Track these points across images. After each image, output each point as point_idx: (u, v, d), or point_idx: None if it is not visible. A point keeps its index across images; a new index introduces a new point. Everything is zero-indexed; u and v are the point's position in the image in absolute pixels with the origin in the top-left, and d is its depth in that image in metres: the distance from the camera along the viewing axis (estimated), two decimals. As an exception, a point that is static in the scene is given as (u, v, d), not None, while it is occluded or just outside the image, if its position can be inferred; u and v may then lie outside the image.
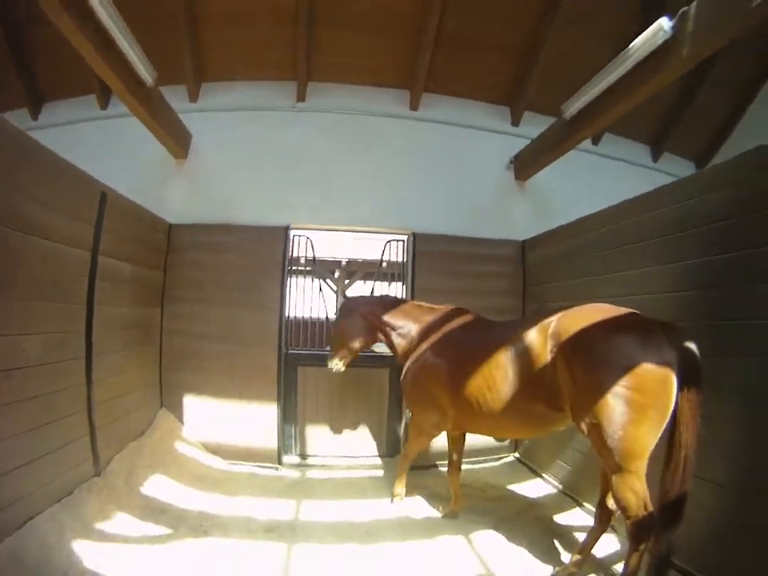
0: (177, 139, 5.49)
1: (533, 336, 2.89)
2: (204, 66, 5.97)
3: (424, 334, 3.84)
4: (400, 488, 4.03)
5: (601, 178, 6.47)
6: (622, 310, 2.63)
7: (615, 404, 2.34)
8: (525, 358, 2.89)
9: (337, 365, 4.24)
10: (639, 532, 2.34)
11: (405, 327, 4.02)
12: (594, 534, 2.91)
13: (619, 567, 2.76)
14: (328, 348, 4.48)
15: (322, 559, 3.09)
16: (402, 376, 3.93)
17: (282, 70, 6.02)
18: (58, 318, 3.31)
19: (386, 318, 4.11)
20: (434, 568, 3.04)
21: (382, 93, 6.23)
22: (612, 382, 2.36)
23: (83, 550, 2.79)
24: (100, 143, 5.89)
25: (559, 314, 2.84)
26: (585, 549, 2.91)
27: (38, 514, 2.82)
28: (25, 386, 2.87)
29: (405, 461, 4.04)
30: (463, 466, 4.95)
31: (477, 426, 3.51)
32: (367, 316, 4.21)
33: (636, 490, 2.34)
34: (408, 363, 3.85)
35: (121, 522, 3.29)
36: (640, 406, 2.31)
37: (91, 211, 3.66)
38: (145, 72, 4.27)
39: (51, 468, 3.04)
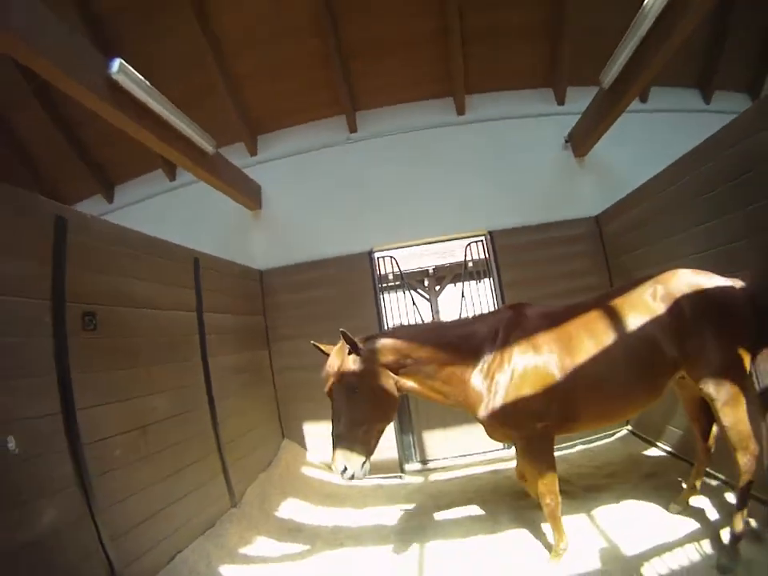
0: (247, 193, 5.96)
1: (642, 305, 2.84)
2: (255, 121, 6.42)
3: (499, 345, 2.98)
4: (564, 545, 2.91)
5: (659, 134, 6.08)
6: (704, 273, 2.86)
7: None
8: (640, 329, 2.80)
9: (357, 469, 2.77)
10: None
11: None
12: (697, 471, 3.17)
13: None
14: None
15: (454, 554, 3.22)
16: (489, 413, 2.91)
17: (328, 106, 6.32)
18: (179, 374, 3.81)
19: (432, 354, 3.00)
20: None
21: (427, 105, 6.36)
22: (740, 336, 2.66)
23: (229, 574, 3.16)
24: (177, 211, 6.55)
25: (656, 280, 2.92)
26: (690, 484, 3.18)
27: (185, 546, 3.27)
28: (160, 437, 3.35)
29: (555, 508, 2.88)
30: (579, 446, 4.97)
31: (588, 419, 3.00)
32: (397, 366, 3.00)
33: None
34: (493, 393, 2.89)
35: (261, 545, 3.66)
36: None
37: (189, 276, 4.18)
38: (204, 142, 4.69)
39: (193, 505, 3.50)
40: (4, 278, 2.36)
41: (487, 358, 2.96)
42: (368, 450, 2.86)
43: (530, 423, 2.83)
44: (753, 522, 2.74)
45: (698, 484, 3.17)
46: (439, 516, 3.95)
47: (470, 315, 3.52)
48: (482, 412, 2.91)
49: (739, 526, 2.53)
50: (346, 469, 2.73)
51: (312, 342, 3.13)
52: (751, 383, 2.66)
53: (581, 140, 5.80)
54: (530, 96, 6.35)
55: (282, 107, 6.30)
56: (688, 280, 2.81)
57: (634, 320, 2.81)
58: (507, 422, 2.88)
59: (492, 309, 3.87)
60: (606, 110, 4.97)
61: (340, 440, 2.78)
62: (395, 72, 6.08)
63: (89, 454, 2.62)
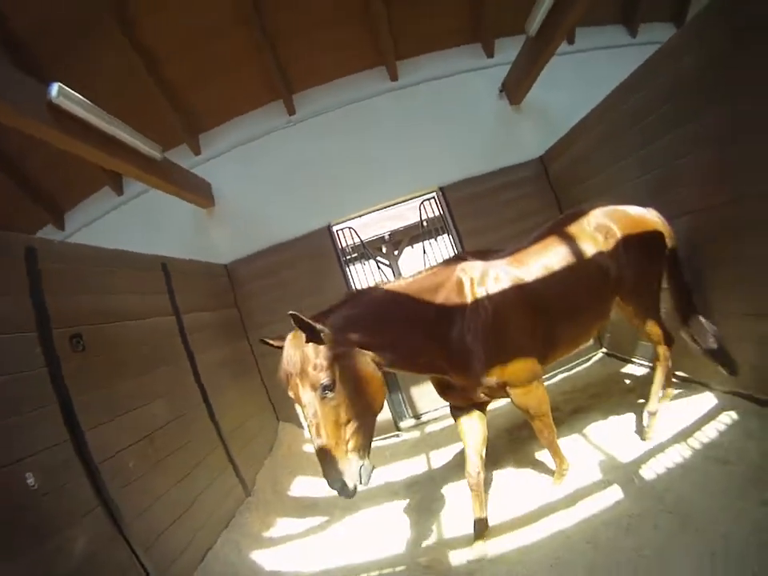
0: (199, 192, 5.89)
1: (582, 234, 3.10)
2: (195, 120, 6.30)
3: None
4: (566, 466, 3.07)
5: (590, 73, 6.25)
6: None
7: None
8: (588, 256, 3.03)
9: (358, 477, 2.26)
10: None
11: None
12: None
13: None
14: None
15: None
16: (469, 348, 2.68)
17: (266, 94, 6.24)
18: (170, 377, 3.82)
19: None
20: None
21: (362, 77, 6.37)
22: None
23: (261, 558, 3.31)
24: (132, 224, 6.42)
25: (584, 214, 3.25)
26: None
27: (214, 542, 3.39)
28: (166, 442, 3.38)
29: (553, 438, 2.99)
30: (559, 375, 5.32)
31: (563, 345, 3.09)
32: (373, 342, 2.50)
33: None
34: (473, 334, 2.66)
35: (282, 526, 3.82)
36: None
37: (160, 282, 4.15)
38: (150, 150, 4.62)
39: (210, 502, 3.58)
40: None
41: (460, 310, 2.67)
42: (365, 447, 2.34)
43: (525, 363, 2.74)
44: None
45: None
46: (442, 463, 4.18)
47: (416, 272, 2.88)
48: (475, 368, 2.65)
49: (655, 405, 3.29)
50: (344, 484, 2.18)
51: (260, 338, 2.56)
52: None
53: (514, 88, 5.96)
54: (459, 53, 6.46)
55: (220, 103, 6.20)
56: (614, 210, 3.22)
57: (583, 247, 3.04)
58: (504, 370, 2.67)
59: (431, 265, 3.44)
60: (535, 57, 5.11)
61: (327, 453, 2.19)
62: (325, 51, 6.04)
63: (104, 472, 2.65)
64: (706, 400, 3.32)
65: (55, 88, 3.36)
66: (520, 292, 2.78)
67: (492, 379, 2.68)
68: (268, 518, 3.84)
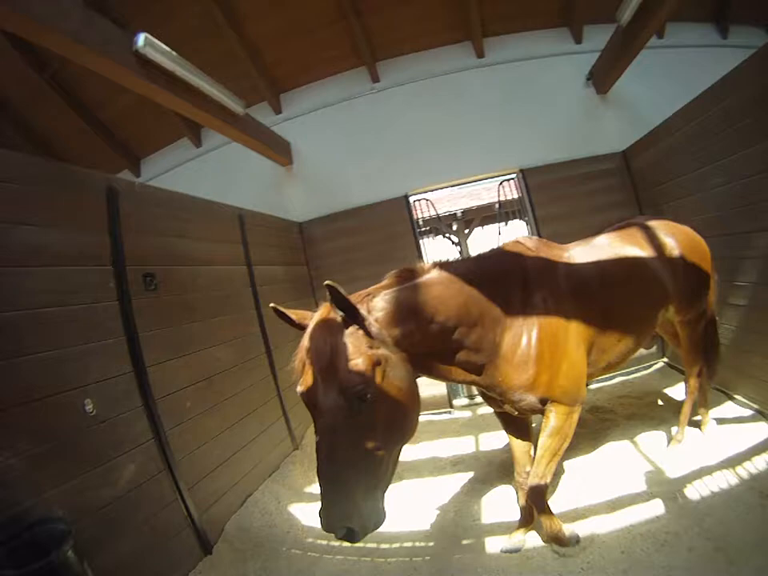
0: (278, 149, 5.93)
1: (647, 244, 2.92)
2: (277, 79, 6.33)
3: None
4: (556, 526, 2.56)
5: (677, 70, 5.90)
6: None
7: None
8: (650, 265, 2.84)
9: (370, 522, 1.70)
10: None
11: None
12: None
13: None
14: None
15: (507, 483, 3.31)
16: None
17: (348, 59, 6.17)
18: (237, 325, 3.95)
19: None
20: (607, 472, 3.17)
21: (447, 51, 6.19)
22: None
23: (299, 511, 3.38)
24: (207, 176, 6.60)
25: (650, 224, 3.08)
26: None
27: (255, 489, 3.51)
28: (225, 387, 3.52)
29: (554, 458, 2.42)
30: (618, 378, 5.08)
31: (611, 358, 2.67)
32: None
33: None
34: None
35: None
36: None
37: (236, 232, 4.25)
38: (234, 104, 4.67)
39: (258, 450, 3.71)
40: (68, 249, 2.44)
41: (519, 309, 2.23)
42: (385, 486, 1.79)
43: (578, 377, 2.35)
44: None
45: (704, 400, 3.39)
46: (490, 447, 4.07)
47: (477, 254, 2.54)
48: (522, 380, 2.20)
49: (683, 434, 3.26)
50: (351, 531, 1.61)
51: (271, 304, 2.02)
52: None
53: (602, 77, 5.67)
54: (546, 36, 6.16)
55: (302, 64, 6.17)
56: (675, 226, 3.10)
57: (646, 258, 2.83)
58: (554, 383, 2.25)
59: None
60: (625, 47, 4.89)
61: (335, 487, 1.63)
62: (413, 21, 5.89)
63: (161, 408, 2.77)
64: (762, 430, 3.17)
65: (142, 38, 3.43)
66: (582, 292, 2.43)
67: (534, 393, 2.23)
68: (311, 473, 3.90)
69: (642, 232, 2.99)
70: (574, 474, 3.26)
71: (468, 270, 2.22)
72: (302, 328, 1.91)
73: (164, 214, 3.31)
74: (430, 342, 1.97)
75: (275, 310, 1.98)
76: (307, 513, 3.36)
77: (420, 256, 5.70)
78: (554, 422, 2.31)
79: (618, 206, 5.29)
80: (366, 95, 6.24)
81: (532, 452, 2.69)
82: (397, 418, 1.79)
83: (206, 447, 3.10)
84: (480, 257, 2.49)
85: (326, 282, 1.60)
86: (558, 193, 5.51)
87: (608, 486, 2.97)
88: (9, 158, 2.24)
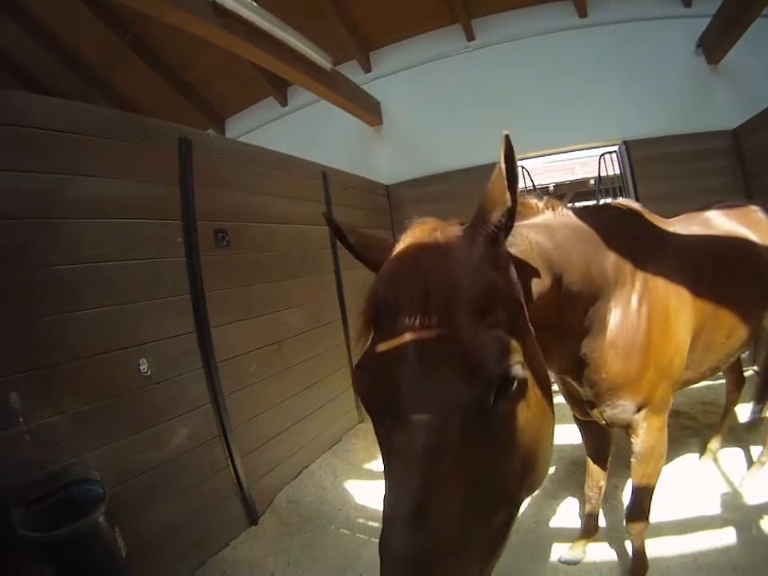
0: (367, 108, 5.70)
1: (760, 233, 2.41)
2: (367, 37, 6.01)
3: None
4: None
5: None
6: None
7: None
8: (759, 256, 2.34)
9: None
10: None
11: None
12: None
13: None
14: None
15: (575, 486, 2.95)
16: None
17: (441, 16, 5.74)
18: (313, 288, 3.81)
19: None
20: (681, 486, 2.83)
21: (547, 8, 5.63)
22: None
23: (354, 488, 3.22)
24: (294, 135, 6.38)
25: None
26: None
27: (312, 462, 3.39)
28: (294, 353, 3.40)
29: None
30: (704, 381, 4.48)
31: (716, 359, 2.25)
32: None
33: None
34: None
35: (386, 461, 3.70)
36: None
37: (318, 190, 4.06)
38: (321, 59, 4.45)
39: (321, 421, 3.59)
40: (136, 201, 2.35)
41: (629, 279, 1.72)
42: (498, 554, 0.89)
43: (672, 380, 1.87)
44: None
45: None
46: (565, 439, 3.58)
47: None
48: (630, 373, 1.69)
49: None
50: None
51: (323, 213, 1.32)
52: None
53: (713, 46, 5.02)
54: None
55: (393, 21, 5.78)
56: None
57: (760, 242, 2.35)
58: (656, 386, 1.77)
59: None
60: (740, 13, 4.38)
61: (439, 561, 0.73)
62: None
63: (222, 372, 2.68)
64: None
65: None
66: (694, 272, 1.94)
67: (637, 396, 1.73)
68: (373, 448, 3.74)
69: (753, 215, 2.53)
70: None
71: (585, 220, 1.68)
72: (372, 262, 1.09)
73: (241, 167, 3.16)
74: (550, 310, 1.29)
75: (328, 219, 1.19)
76: (363, 490, 3.21)
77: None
78: (648, 440, 1.81)
79: (725, 190, 4.63)
80: (460, 54, 5.83)
81: (608, 464, 2.34)
82: (542, 436, 0.95)
83: (266, 414, 3.02)
84: (591, 209, 2.00)
85: (504, 132, 0.90)
86: (661, 170, 4.99)
87: (681, 502, 2.63)
88: (69, 107, 2.14)
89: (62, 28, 5.35)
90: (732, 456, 3.10)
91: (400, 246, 1.00)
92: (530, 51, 5.61)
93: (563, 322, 1.47)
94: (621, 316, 1.68)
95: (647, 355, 1.69)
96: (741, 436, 3.25)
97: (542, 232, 1.37)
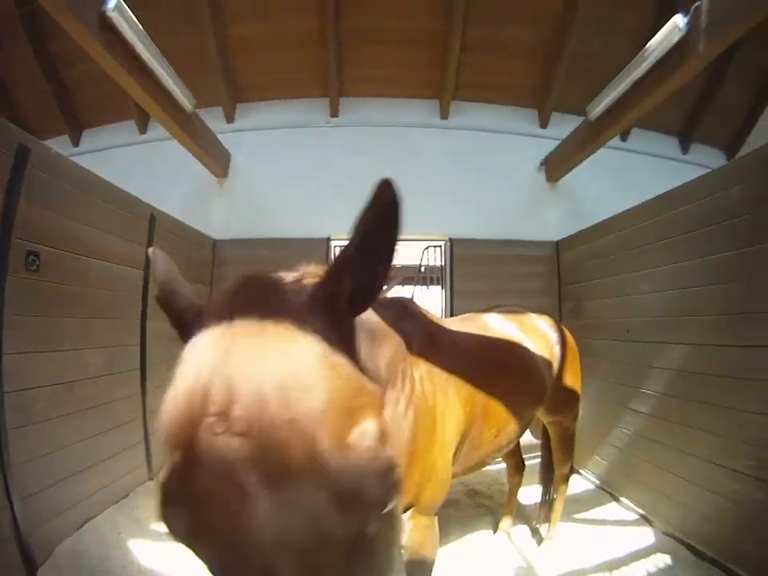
0: (217, 159, 5.77)
1: (535, 333, 2.73)
2: (238, 88, 6.26)
3: None
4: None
5: (631, 174, 6.38)
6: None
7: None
8: (535, 353, 2.60)
9: None
10: None
11: None
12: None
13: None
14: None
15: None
16: None
17: (314, 86, 6.23)
18: (117, 331, 3.59)
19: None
20: (476, 564, 2.92)
21: (413, 104, 6.37)
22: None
23: (139, 548, 2.97)
24: (142, 166, 6.27)
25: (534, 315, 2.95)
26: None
27: (98, 514, 3.09)
28: (86, 395, 3.13)
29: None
30: (503, 464, 4.79)
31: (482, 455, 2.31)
32: None
33: None
34: None
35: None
36: None
37: (142, 232, 3.93)
38: (184, 99, 4.52)
39: (109, 472, 3.30)
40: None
41: (399, 381, 1.65)
42: None
43: (447, 485, 1.96)
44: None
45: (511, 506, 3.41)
46: None
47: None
48: None
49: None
50: None
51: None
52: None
53: (556, 165, 5.95)
54: (515, 113, 6.51)
55: (269, 80, 6.16)
56: (550, 318, 2.99)
57: (533, 344, 2.61)
58: (426, 488, 1.80)
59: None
60: (587, 141, 5.13)
61: None
62: (387, 66, 6.08)
63: (9, 403, 2.41)
64: (645, 535, 3.19)
65: (113, 1, 3.32)
66: (465, 372, 2.02)
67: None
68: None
69: (529, 321, 2.81)
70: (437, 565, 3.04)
71: (378, 312, 1.64)
72: (186, 331, 0.76)
73: (72, 192, 3.00)
74: None
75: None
76: (148, 551, 2.99)
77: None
78: (416, 538, 1.83)
79: (539, 294, 5.42)
80: (320, 127, 6.23)
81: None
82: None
83: (52, 456, 2.72)
84: (384, 301, 1.90)
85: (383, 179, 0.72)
86: (481, 269, 5.58)
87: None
88: None
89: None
90: (524, 533, 3.31)
91: (215, 324, 0.69)
92: (386, 139, 6.12)
93: None
94: (389, 419, 1.51)
95: (411, 460, 1.67)
96: (531, 515, 3.48)
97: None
